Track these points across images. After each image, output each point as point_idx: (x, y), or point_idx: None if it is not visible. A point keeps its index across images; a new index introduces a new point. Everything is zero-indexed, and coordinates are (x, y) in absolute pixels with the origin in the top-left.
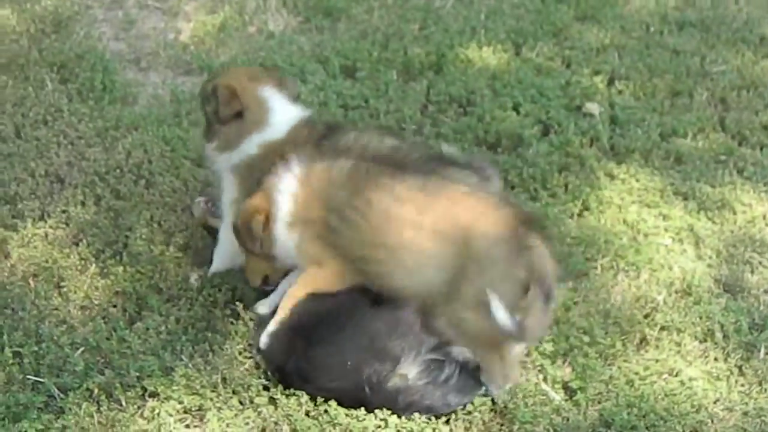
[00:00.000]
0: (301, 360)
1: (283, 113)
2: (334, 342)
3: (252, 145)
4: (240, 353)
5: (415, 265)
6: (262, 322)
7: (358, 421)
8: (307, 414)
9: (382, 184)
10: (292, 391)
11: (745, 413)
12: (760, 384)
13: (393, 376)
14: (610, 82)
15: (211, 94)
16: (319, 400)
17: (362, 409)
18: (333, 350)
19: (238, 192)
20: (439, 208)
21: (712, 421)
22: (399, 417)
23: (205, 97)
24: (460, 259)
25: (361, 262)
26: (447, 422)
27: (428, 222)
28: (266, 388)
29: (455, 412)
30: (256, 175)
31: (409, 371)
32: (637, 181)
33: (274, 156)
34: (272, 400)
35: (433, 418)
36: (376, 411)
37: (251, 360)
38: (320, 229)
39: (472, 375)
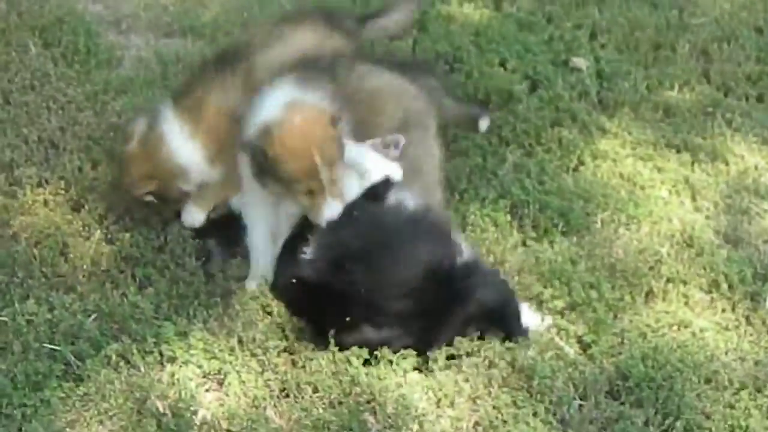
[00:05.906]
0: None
1: None
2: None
3: None
4: (256, 314)
5: None
6: None
7: (380, 380)
8: (328, 374)
9: None
10: (311, 351)
11: (757, 362)
12: None
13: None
14: (593, 36)
15: None
16: (340, 358)
17: (382, 367)
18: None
19: None
20: None
21: (726, 371)
22: (420, 372)
23: None
24: None
25: None
26: (467, 380)
27: None
28: (285, 350)
29: (476, 367)
30: None
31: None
32: (630, 134)
33: None
34: (292, 362)
35: (452, 373)
36: (395, 368)
37: (268, 320)
38: None
39: None
